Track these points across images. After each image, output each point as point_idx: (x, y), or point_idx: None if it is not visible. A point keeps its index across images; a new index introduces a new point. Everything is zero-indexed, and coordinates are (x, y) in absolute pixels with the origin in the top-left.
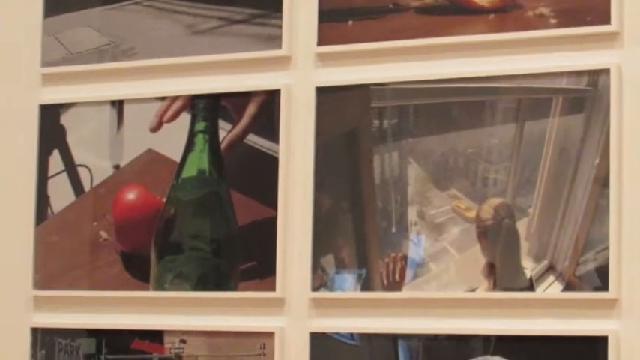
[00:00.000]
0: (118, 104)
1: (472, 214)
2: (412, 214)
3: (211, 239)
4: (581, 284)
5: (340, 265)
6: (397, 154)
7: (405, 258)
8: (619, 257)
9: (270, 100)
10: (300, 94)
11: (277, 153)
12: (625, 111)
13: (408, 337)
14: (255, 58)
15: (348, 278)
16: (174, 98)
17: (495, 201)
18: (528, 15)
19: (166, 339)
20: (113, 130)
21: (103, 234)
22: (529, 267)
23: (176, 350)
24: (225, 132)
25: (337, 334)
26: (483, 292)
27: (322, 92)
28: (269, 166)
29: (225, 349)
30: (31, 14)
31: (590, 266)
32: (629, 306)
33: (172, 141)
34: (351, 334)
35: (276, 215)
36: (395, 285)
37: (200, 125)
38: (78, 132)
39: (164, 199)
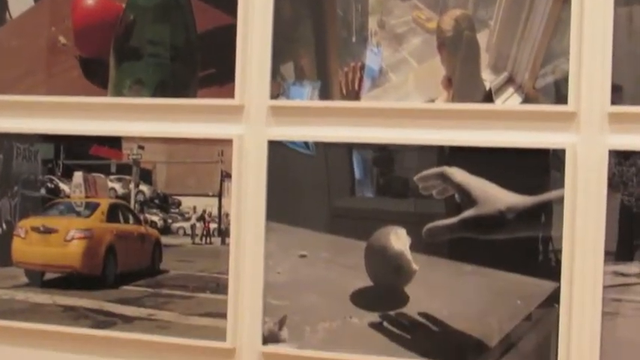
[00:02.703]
0: None
1: (433, 25)
2: (372, 23)
3: (170, 46)
4: (540, 97)
5: (299, 74)
6: None
7: (364, 68)
8: (579, 71)
9: None
10: None
11: None
12: None
13: (363, 147)
14: None
15: (307, 87)
16: None
17: (456, 12)
18: None
19: (125, 145)
20: None
21: (62, 39)
22: (488, 79)
23: (134, 156)
24: None
25: (294, 143)
26: (442, 103)
27: None
28: None
29: (183, 156)
30: None
31: (550, 79)
32: (587, 119)
33: None
34: (307, 145)
35: (236, 22)
36: (353, 94)
37: None
38: None
39: (123, 5)
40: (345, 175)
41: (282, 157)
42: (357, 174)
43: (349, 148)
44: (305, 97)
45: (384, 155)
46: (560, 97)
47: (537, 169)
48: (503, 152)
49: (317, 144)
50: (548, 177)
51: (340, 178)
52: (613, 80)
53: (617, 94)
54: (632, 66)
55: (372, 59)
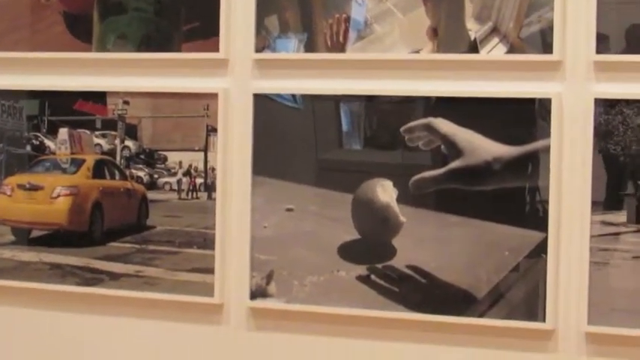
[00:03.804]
0: None
1: None
2: None
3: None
4: (525, 46)
5: (284, 27)
6: None
7: (348, 19)
8: (563, 19)
9: None
10: None
11: None
12: None
13: (350, 99)
14: None
15: (293, 40)
16: None
17: None
18: None
19: (109, 100)
20: None
21: None
22: (473, 29)
23: (119, 112)
24: None
25: (280, 96)
26: (427, 54)
27: None
28: None
29: (168, 111)
30: None
31: (535, 28)
32: (572, 68)
33: None
34: (294, 98)
35: None
36: (338, 46)
37: None
38: None
39: None
40: (332, 127)
41: (268, 110)
42: (345, 126)
43: (336, 100)
44: (291, 49)
45: (370, 106)
46: (546, 46)
47: (523, 118)
48: (489, 102)
49: (304, 97)
50: (535, 127)
51: (327, 130)
52: (599, 29)
53: (604, 44)
54: (618, 15)
55: (357, 11)
